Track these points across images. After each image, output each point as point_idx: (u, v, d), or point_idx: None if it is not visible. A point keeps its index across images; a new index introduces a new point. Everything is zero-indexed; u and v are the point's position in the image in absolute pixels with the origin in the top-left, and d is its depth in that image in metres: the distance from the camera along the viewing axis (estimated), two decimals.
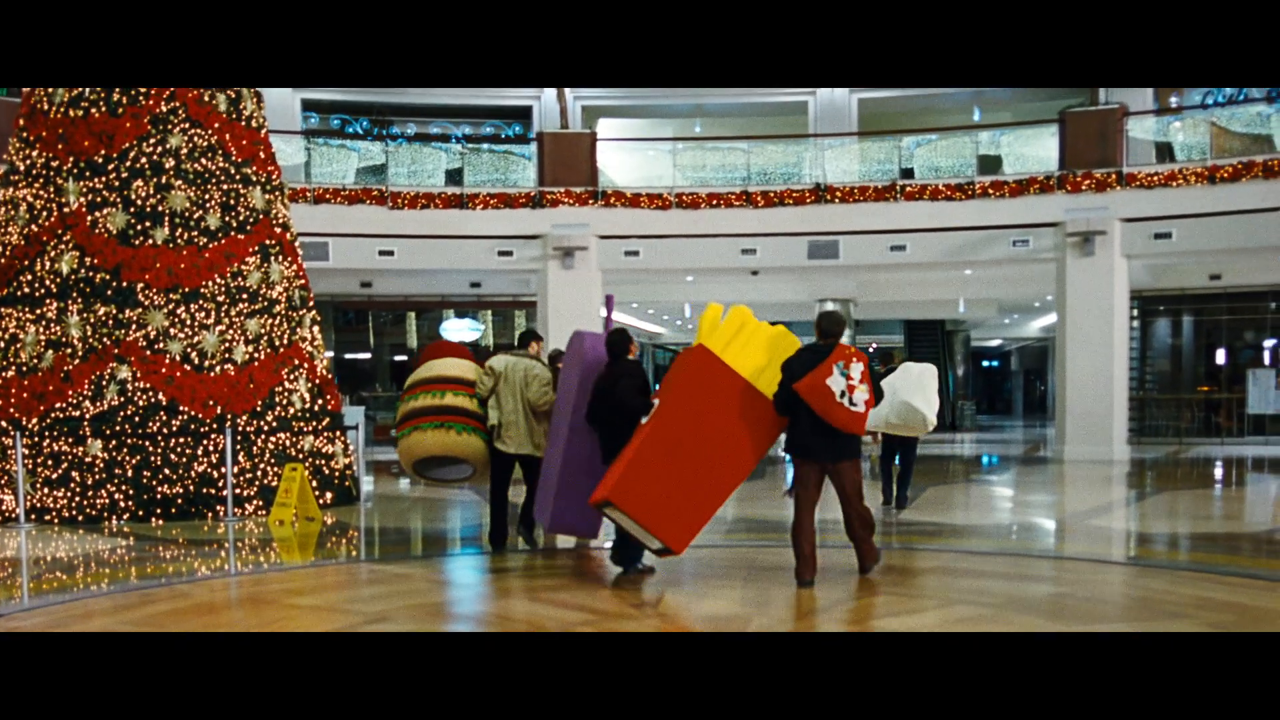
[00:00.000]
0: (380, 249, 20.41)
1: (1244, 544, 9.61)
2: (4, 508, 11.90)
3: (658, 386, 7.81)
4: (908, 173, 21.64)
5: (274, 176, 13.65)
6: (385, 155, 22.34)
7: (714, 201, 20.50)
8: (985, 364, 49.19)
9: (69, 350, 12.14)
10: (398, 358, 28.29)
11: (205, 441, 12.16)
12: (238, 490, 12.21)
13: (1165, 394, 25.49)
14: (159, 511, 11.91)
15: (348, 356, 27.31)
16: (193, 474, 12.10)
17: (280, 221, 13.51)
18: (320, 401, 13.41)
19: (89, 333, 12.16)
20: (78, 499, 11.86)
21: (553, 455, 8.44)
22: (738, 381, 7.36)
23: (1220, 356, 25.12)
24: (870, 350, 41.48)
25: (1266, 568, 8.17)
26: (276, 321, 13.02)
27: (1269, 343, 24.44)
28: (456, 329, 25.89)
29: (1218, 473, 18.10)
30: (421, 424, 9.12)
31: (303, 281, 13.74)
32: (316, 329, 13.88)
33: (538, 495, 8.81)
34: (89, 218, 12.36)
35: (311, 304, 13.87)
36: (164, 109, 12.67)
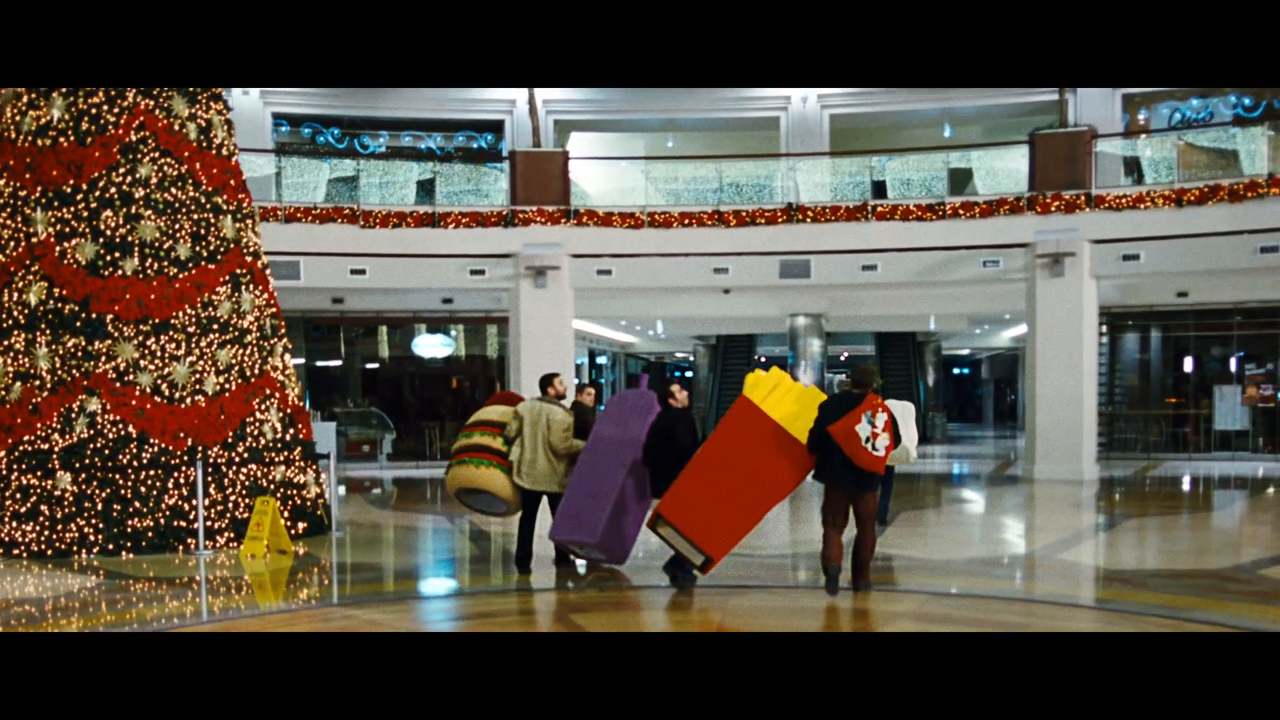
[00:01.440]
0: (352, 268, 20.35)
1: (1212, 582, 9.70)
2: None
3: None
4: (879, 185, 21.77)
5: (245, 204, 13.55)
6: (357, 166, 22.35)
7: (686, 221, 20.53)
8: (956, 371, 49.45)
9: (37, 382, 12.03)
10: (369, 365, 28.25)
11: (176, 474, 12.09)
12: (209, 523, 12.13)
13: (1134, 409, 25.72)
14: (129, 545, 11.82)
15: (319, 364, 27.22)
16: (163, 507, 12.02)
17: (251, 250, 13.44)
18: (292, 431, 13.34)
19: (57, 365, 12.06)
20: (46, 533, 11.75)
21: (602, 490, 9.39)
22: (773, 425, 8.69)
23: (1188, 371, 25.36)
24: (841, 359, 41.77)
25: (1233, 613, 8.25)
26: (247, 351, 12.95)
27: (1235, 356, 24.67)
28: (429, 344, 25.87)
29: (1185, 494, 18.30)
30: (453, 462, 10.52)
31: (274, 309, 13.66)
32: (288, 357, 13.82)
33: (569, 519, 9.55)
34: (57, 248, 12.24)
35: (283, 332, 13.80)
36: (134, 138, 12.56)
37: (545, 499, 10.23)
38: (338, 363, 27.48)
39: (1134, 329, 25.55)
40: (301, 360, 24.90)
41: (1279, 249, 17.94)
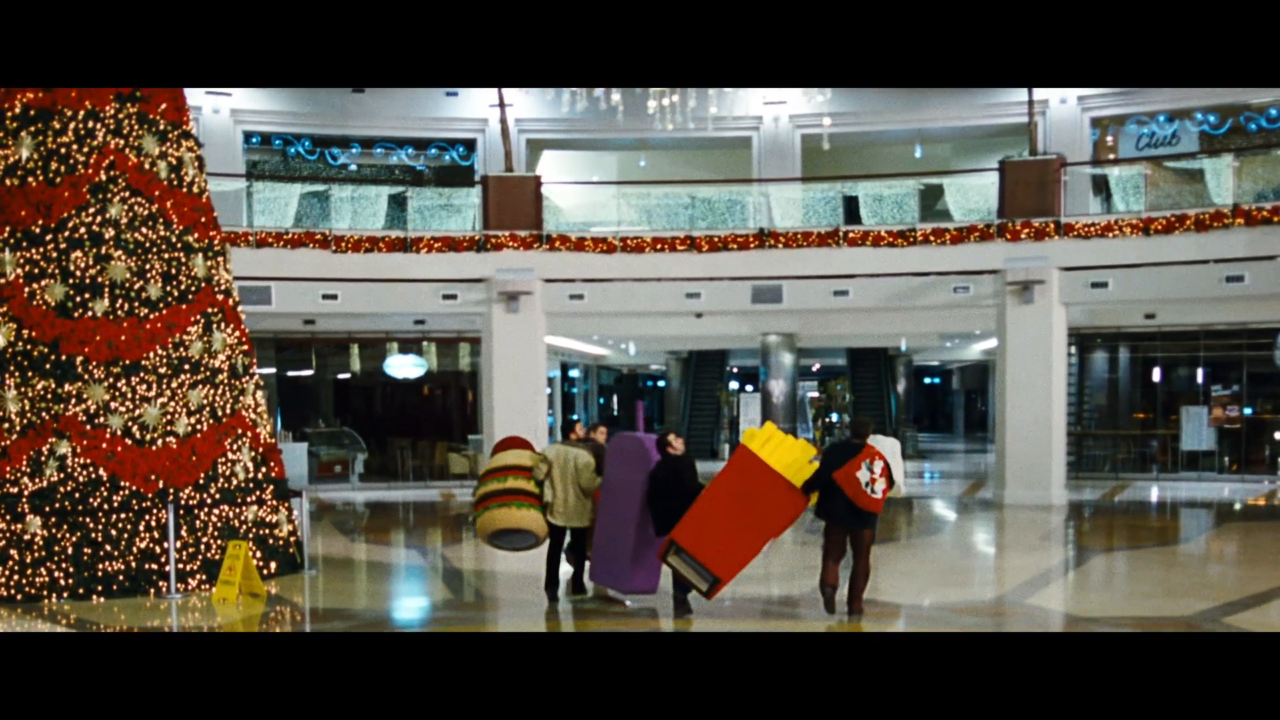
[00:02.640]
0: (324, 293, 20.27)
1: (1178, 632, 9.82)
2: None
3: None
4: (851, 200, 21.87)
5: (216, 241, 13.48)
6: (329, 176, 22.39)
7: (658, 245, 20.58)
8: (927, 381, 49.72)
9: (6, 425, 11.93)
10: (341, 375, 28.22)
11: (147, 517, 12.03)
12: (180, 565, 12.08)
13: (1103, 429, 25.95)
14: (100, 589, 11.75)
15: (290, 374, 27.13)
16: (134, 550, 11.95)
17: (222, 288, 13.38)
18: (264, 469, 13.30)
19: (27, 407, 11.97)
20: (16, 577, 11.67)
21: (621, 535, 10.62)
22: (770, 470, 9.88)
23: (1155, 391, 25.60)
24: (812, 370, 41.97)
25: None
26: (219, 391, 12.89)
27: (1201, 373, 24.92)
28: (400, 365, 25.82)
29: (1153, 523, 18.46)
30: (491, 505, 11.19)
31: (246, 347, 13.60)
32: (260, 394, 13.77)
33: (604, 565, 10.96)
34: (26, 289, 12.15)
35: (254, 370, 13.75)
36: (103, 177, 12.47)
37: (569, 530, 11.41)
38: (309, 375, 27.42)
39: (1102, 347, 25.79)
40: (272, 370, 24.90)
41: (1244, 278, 18.15)
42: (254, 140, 26.02)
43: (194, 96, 22.55)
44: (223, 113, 24.37)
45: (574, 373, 37.38)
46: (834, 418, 33.35)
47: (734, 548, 9.95)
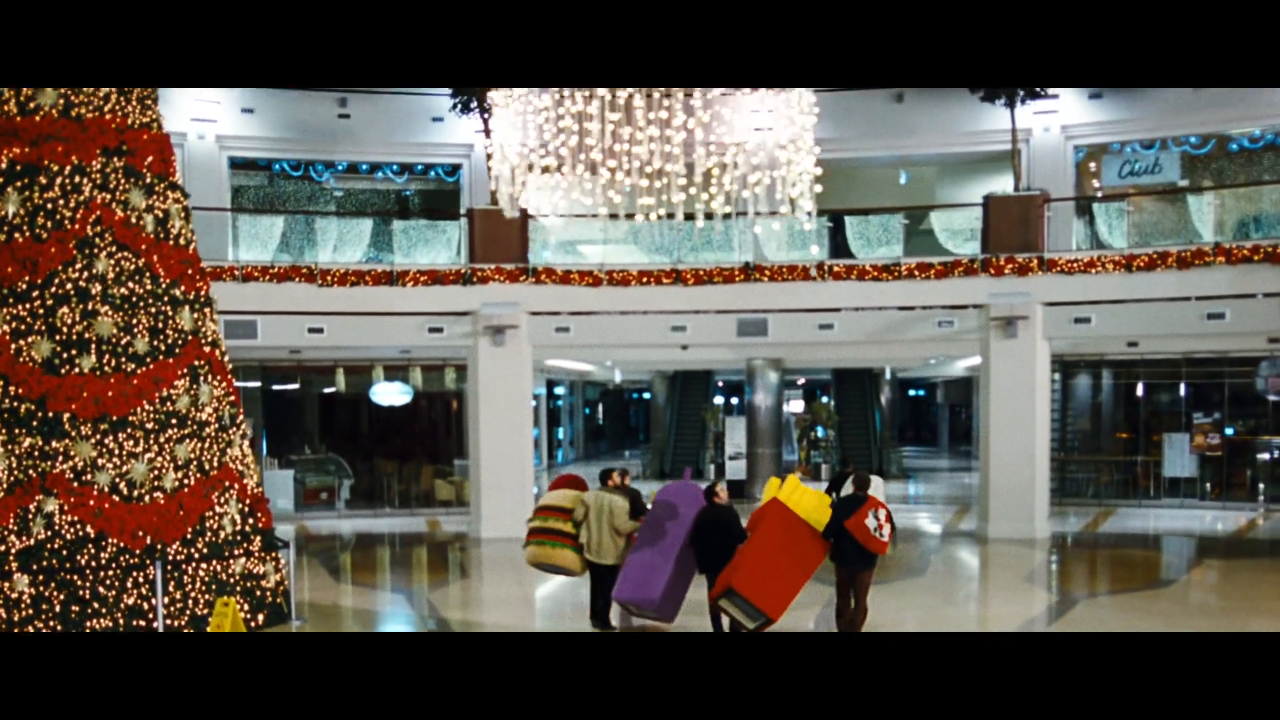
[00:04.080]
0: (310, 326, 20.21)
1: None
2: None
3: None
4: (838, 222, 21.90)
5: (202, 293, 13.49)
6: (314, 209, 22.36)
7: (644, 279, 20.62)
8: (911, 393, 49.85)
9: None
10: (327, 389, 28.17)
11: (135, 573, 12.05)
12: (168, 620, 12.11)
13: (1086, 453, 26.11)
14: None
15: (275, 388, 27.04)
16: (122, 607, 11.99)
17: (209, 339, 13.38)
18: (251, 521, 13.31)
19: (14, 465, 11.98)
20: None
21: (660, 562, 11.78)
22: (800, 520, 11.37)
23: (1138, 416, 25.74)
24: (798, 384, 42.06)
25: None
26: (206, 445, 12.90)
27: (1183, 401, 25.08)
28: (386, 392, 25.79)
29: (1137, 560, 18.55)
30: (531, 540, 12.78)
31: (233, 398, 13.62)
32: (247, 444, 13.78)
33: (631, 581, 11.94)
34: (13, 346, 12.15)
35: (241, 420, 13.76)
36: (90, 233, 12.47)
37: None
38: (294, 392, 27.35)
39: (1086, 373, 25.95)
40: (258, 384, 24.85)
41: (1225, 315, 18.30)
42: (239, 159, 25.95)
43: (179, 123, 22.50)
44: (208, 139, 24.27)
45: (560, 389, 37.40)
46: (819, 432, 33.43)
47: (782, 590, 11.18)
